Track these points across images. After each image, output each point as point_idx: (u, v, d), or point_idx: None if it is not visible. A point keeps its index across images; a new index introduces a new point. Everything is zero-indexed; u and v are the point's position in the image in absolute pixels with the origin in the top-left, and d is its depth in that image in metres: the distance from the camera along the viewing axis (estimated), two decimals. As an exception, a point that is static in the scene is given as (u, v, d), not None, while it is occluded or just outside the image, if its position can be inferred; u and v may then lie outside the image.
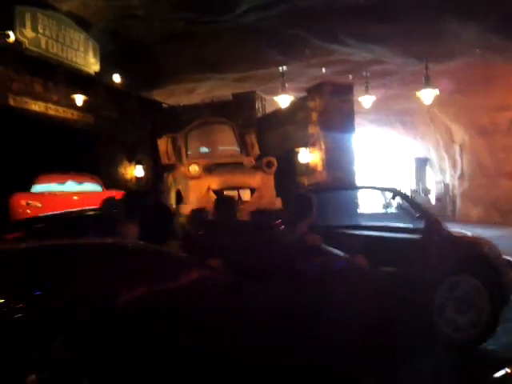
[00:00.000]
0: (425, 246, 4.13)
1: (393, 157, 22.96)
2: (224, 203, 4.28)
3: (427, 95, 11.00)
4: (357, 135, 10.08)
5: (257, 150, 9.34)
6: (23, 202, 7.61)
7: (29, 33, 9.12)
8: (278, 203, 8.18)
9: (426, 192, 20.17)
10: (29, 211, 7.51)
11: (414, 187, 20.47)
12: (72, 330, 2.21)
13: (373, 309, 2.89)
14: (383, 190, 5.97)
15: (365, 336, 2.84)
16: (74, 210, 5.09)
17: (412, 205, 4.53)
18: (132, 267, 2.52)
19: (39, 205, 7.65)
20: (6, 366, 2.09)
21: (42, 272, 2.35)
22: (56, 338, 2.19)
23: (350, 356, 2.79)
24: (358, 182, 10.76)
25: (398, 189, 6.10)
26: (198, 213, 4.93)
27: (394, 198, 4.40)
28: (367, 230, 4.81)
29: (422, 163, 20.78)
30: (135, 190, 10.42)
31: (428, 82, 10.88)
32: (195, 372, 2.45)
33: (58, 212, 4.81)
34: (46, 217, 4.68)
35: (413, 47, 11.86)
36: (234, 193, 7.64)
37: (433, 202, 19.13)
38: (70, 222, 3.63)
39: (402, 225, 4.95)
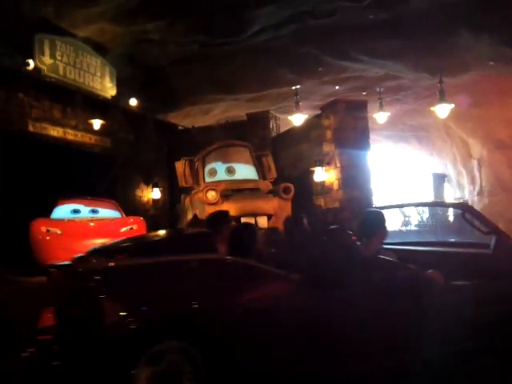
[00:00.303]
0: (496, 260, 4.07)
1: (409, 173, 22.72)
2: (295, 222, 4.73)
3: (442, 110, 10.92)
4: (372, 152, 10.01)
5: (274, 173, 9.34)
6: (43, 229, 7.66)
7: (47, 60, 9.34)
8: None
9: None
10: (48, 238, 7.56)
11: (431, 204, 20.13)
12: (188, 333, 2.67)
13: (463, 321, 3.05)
14: (452, 206, 5.93)
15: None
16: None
17: (482, 220, 4.46)
18: (235, 280, 2.88)
19: (59, 232, 7.70)
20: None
21: (162, 283, 2.75)
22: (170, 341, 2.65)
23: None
24: (376, 201, 10.65)
25: (468, 204, 6.04)
26: (270, 231, 5.25)
27: (463, 213, 4.35)
28: (430, 246, 4.78)
29: (439, 179, 20.51)
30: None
31: (443, 97, 10.81)
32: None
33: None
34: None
35: (425, 61, 11.83)
36: (251, 220, 7.62)
37: (451, 218, 18.83)
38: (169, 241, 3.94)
39: (465, 240, 4.90)
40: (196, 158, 9.26)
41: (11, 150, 8.18)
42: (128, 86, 11.56)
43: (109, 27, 9.92)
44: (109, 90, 10.91)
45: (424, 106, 14.84)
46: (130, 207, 9.64)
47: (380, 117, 12.76)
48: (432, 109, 11.40)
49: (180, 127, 13.22)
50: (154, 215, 11.24)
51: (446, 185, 20.28)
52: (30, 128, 8.75)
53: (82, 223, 8.23)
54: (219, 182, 8.61)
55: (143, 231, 8.32)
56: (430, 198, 20.67)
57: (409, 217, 21.61)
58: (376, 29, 10.42)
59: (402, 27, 10.30)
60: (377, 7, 9.57)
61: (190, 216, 8.76)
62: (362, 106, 9.26)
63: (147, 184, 11.74)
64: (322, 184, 9.28)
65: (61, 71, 9.61)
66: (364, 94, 14.03)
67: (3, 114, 8.17)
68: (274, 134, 11.88)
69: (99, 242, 7.75)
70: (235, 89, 13.60)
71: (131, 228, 8.23)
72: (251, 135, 11.38)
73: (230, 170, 8.88)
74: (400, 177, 23.31)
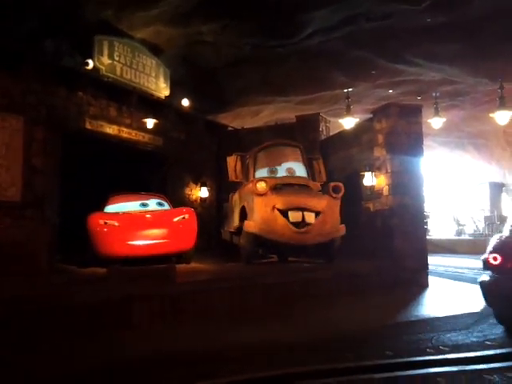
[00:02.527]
0: None
1: (465, 181, 21.87)
2: None
3: (502, 116, 10.46)
4: (426, 158, 9.70)
5: (324, 177, 9.28)
6: (101, 222, 7.97)
7: (106, 60, 9.69)
8: (342, 230, 7.99)
9: (502, 219, 19.00)
10: (106, 230, 7.87)
11: (488, 214, 19.34)
12: None
13: None
14: None
15: None
16: None
17: None
18: None
19: (116, 224, 8.00)
20: None
21: None
22: None
23: None
24: (428, 208, 10.31)
25: None
26: None
27: None
28: None
29: (497, 188, 19.65)
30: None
31: (503, 103, 10.34)
32: None
33: None
34: None
35: (485, 66, 11.37)
36: (298, 214, 7.58)
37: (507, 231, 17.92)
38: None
39: None
40: (248, 155, 9.33)
41: (69, 145, 8.55)
42: (181, 87, 11.80)
43: (165, 29, 10.17)
44: (163, 90, 11.18)
45: (483, 113, 14.26)
46: (179, 204, 9.83)
47: (435, 122, 12.37)
48: (491, 115, 10.95)
49: (229, 128, 13.34)
50: (202, 213, 11.41)
51: (503, 195, 19.37)
52: (88, 125, 9.10)
53: (138, 215, 8.50)
54: (269, 177, 8.63)
55: (194, 221, 8.48)
56: (486, 208, 19.83)
57: (463, 225, 20.84)
58: (433, 32, 10.10)
59: (461, 31, 9.94)
60: (435, 10, 9.27)
61: (237, 210, 8.82)
62: (416, 111, 8.99)
63: (196, 183, 11.94)
64: (372, 189, 9.09)
65: (118, 71, 9.95)
66: (419, 98, 13.64)
67: (63, 111, 8.54)
68: (323, 136, 11.75)
69: (155, 232, 8.06)
70: (286, 91, 13.59)
71: (183, 217, 8.44)
72: (300, 137, 11.31)
73: (290, 171, 8.89)
74: (455, 185, 22.51)
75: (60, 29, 9.05)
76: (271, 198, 7.73)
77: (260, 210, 7.70)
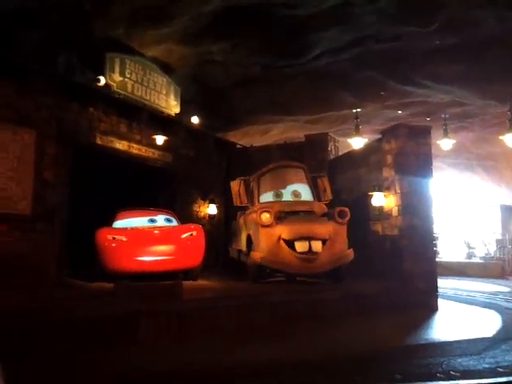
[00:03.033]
0: None
1: (475, 203, 21.70)
2: None
3: (512, 139, 10.40)
4: (435, 179, 9.65)
5: (329, 195, 9.21)
6: (110, 237, 7.97)
7: (117, 77, 9.82)
8: (350, 255, 7.89)
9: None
10: (114, 245, 7.87)
11: (499, 237, 19.13)
12: None
13: None
14: None
15: None
16: None
17: None
18: None
19: (124, 239, 7.99)
20: None
21: None
22: None
23: None
24: (437, 229, 10.21)
25: None
26: None
27: None
28: None
29: (508, 211, 19.47)
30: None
31: (513, 125, 10.30)
32: None
33: None
34: None
35: (493, 88, 11.40)
36: (304, 244, 7.50)
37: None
38: None
39: None
40: (251, 178, 9.32)
41: (80, 159, 8.61)
42: (191, 105, 11.91)
43: (176, 48, 10.31)
44: (173, 107, 11.29)
45: (492, 135, 14.23)
46: (187, 221, 9.82)
47: (444, 144, 12.34)
48: (501, 137, 10.90)
49: (238, 146, 13.40)
50: (210, 230, 11.39)
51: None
52: (98, 140, 9.17)
53: (146, 230, 8.49)
54: (273, 202, 8.58)
55: (202, 238, 8.45)
56: (498, 231, 19.63)
57: (474, 248, 20.61)
58: (442, 54, 10.16)
59: (469, 52, 9.99)
60: (444, 32, 9.34)
61: (244, 235, 8.78)
62: (425, 132, 8.98)
63: (204, 199, 11.95)
64: (380, 210, 9.03)
65: (129, 88, 10.07)
66: (428, 119, 13.66)
67: (74, 126, 8.63)
68: (332, 156, 11.76)
69: (162, 248, 8.03)
70: (294, 110, 13.66)
71: (191, 234, 8.41)
72: (309, 157, 11.33)
73: (296, 194, 8.85)
74: (465, 207, 22.35)
75: (72, 45, 9.22)
76: (276, 228, 7.64)
77: (265, 241, 7.63)
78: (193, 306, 5.91)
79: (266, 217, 7.68)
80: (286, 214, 8.11)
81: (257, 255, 7.66)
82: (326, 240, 7.63)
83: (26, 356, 4.42)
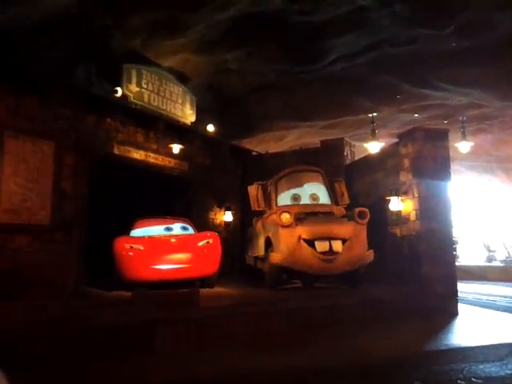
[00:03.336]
0: None
1: (495, 206, 21.33)
2: None
3: (532, 140, 10.21)
4: (453, 183, 9.51)
5: (347, 199, 9.18)
6: (127, 246, 8.05)
7: (134, 88, 9.97)
8: (370, 256, 7.84)
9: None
10: (131, 254, 7.95)
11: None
12: None
13: None
14: None
15: None
16: None
17: None
18: None
19: (141, 248, 8.06)
20: None
21: None
22: None
23: None
24: (457, 233, 10.07)
25: None
26: None
27: None
28: None
29: (528, 213, 19.05)
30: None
31: (533, 126, 10.12)
32: None
33: None
34: None
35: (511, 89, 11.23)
36: (325, 243, 7.48)
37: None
38: None
39: None
40: (269, 183, 9.34)
41: (97, 169, 8.74)
42: (206, 113, 12.01)
43: (191, 57, 10.44)
44: (189, 116, 11.39)
45: (511, 136, 13.99)
46: (204, 229, 9.86)
47: (463, 146, 12.19)
48: (520, 139, 10.73)
49: (254, 153, 13.43)
50: (226, 237, 11.42)
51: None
52: (115, 151, 9.30)
53: (163, 239, 8.55)
54: (292, 205, 8.59)
55: (218, 245, 8.49)
56: (518, 235, 19.24)
57: (494, 251, 20.22)
58: (459, 56, 10.08)
59: (486, 55, 9.89)
60: (459, 35, 9.27)
61: (261, 239, 8.79)
62: (442, 135, 8.87)
63: (220, 207, 11.99)
64: (398, 214, 8.95)
65: (146, 98, 10.21)
66: (445, 122, 13.53)
67: (92, 136, 8.77)
68: (348, 161, 11.70)
69: (179, 256, 8.08)
70: (310, 116, 13.66)
71: (207, 242, 8.45)
72: (325, 162, 11.29)
73: (314, 198, 8.85)
74: (484, 209, 21.99)
75: (90, 57, 9.40)
76: (296, 228, 7.64)
77: (286, 242, 7.62)
78: (210, 313, 5.93)
79: (286, 217, 7.68)
80: (305, 215, 8.11)
81: (277, 256, 7.65)
82: (346, 240, 7.60)
83: (43, 364, 4.48)
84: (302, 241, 7.54)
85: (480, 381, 4.29)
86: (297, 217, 7.84)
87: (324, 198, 8.99)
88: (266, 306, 6.59)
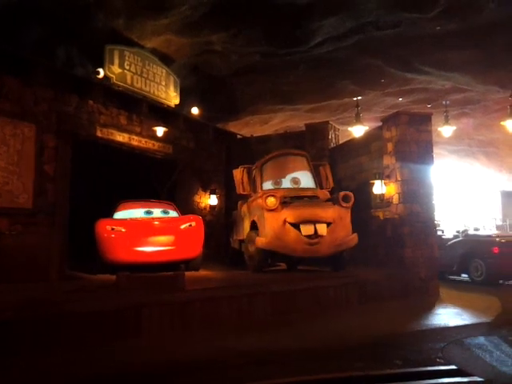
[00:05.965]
0: None
1: (476, 190, 21.69)
2: None
3: (514, 125, 10.37)
4: (436, 166, 9.63)
5: (331, 183, 9.26)
6: (109, 228, 8.02)
7: (116, 69, 9.79)
8: (354, 239, 7.94)
9: (514, 228, 18.82)
10: (113, 236, 7.92)
11: (499, 223, 19.13)
12: None
13: None
14: None
15: None
16: None
17: None
18: None
19: (123, 230, 8.04)
20: None
21: None
22: None
23: None
24: (437, 216, 10.25)
25: None
26: None
27: None
28: None
29: (508, 197, 19.45)
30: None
31: (514, 111, 10.26)
32: None
33: None
34: None
35: (495, 74, 11.33)
36: (310, 227, 7.55)
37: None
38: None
39: None
40: (254, 166, 9.34)
41: (80, 152, 8.63)
42: (191, 95, 11.87)
43: (175, 38, 10.26)
44: (172, 98, 11.26)
45: (493, 121, 14.18)
46: (188, 212, 9.85)
47: (445, 131, 12.31)
48: (502, 123, 10.88)
49: (239, 136, 13.38)
50: (211, 221, 11.42)
51: (515, 203, 19.18)
52: (98, 133, 9.17)
53: (145, 221, 8.54)
54: (278, 189, 8.62)
55: (201, 229, 8.50)
56: (498, 217, 19.64)
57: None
58: (443, 40, 10.10)
59: (471, 39, 9.93)
60: (444, 18, 9.27)
61: (247, 222, 8.83)
62: (425, 119, 8.95)
63: (205, 190, 11.97)
64: (381, 197, 9.05)
65: (128, 80, 10.04)
66: (429, 106, 13.61)
67: (75, 119, 8.62)
68: (332, 145, 11.74)
69: (161, 238, 8.09)
70: (295, 99, 13.62)
71: (190, 225, 8.46)
72: (310, 146, 11.32)
73: (295, 181, 8.89)
74: (465, 193, 22.34)
75: (71, 38, 9.17)
76: (282, 212, 7.70)
77: (271, 225, 7.68)
78: (195, 296, 5.96)
79: (271, 201, 7.73)
80: (290, 199, 8.17)
81: (263, 240, 7.70)
82: (330, 223, 7.69)
83: (28, 350, 4.48)
84: (287, 224, 7.60)
85: (457, 359, 4.41)
86: (282, 201, 7.88)
87: (308, 181, 9.04)
88: (250, 288, 6.65)
